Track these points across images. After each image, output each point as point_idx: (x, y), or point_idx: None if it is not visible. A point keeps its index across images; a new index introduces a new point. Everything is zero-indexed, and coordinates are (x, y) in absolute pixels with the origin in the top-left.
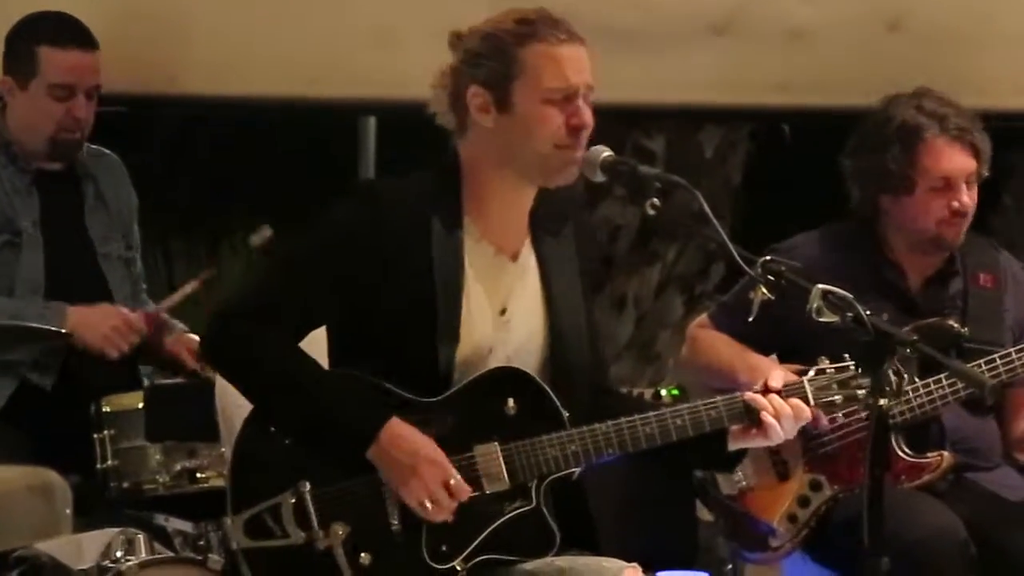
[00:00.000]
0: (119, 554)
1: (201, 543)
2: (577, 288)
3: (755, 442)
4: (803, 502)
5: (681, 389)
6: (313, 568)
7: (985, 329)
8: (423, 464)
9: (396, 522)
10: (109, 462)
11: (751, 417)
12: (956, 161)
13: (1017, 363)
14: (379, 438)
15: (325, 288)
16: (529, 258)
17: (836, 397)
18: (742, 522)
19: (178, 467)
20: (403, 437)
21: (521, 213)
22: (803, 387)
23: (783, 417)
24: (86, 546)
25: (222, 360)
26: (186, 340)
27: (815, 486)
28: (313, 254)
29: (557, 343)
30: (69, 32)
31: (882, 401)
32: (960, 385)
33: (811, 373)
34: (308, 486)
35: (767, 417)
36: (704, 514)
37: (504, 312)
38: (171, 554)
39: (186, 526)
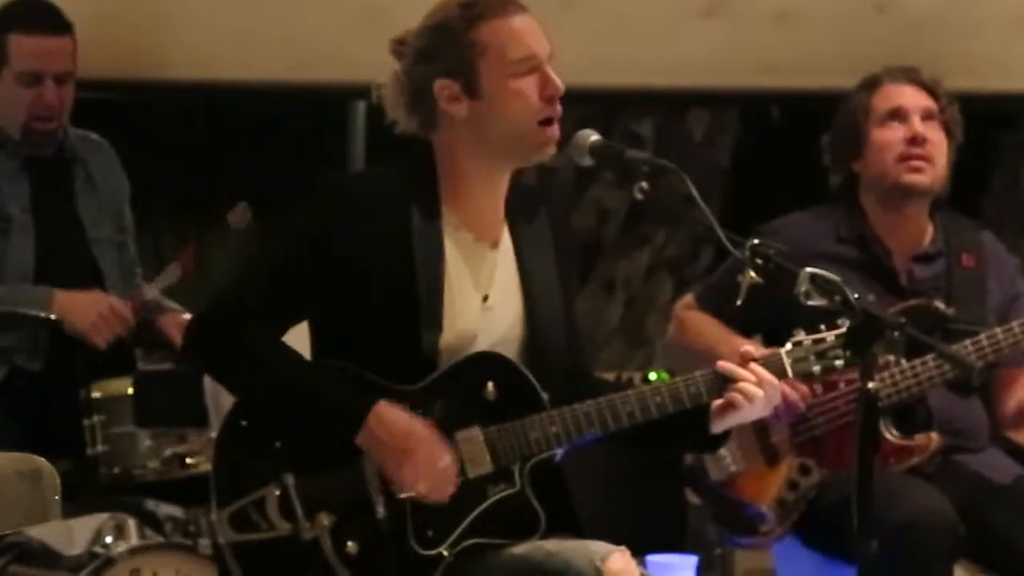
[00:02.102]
0: (109, 540)
1: (191, 528)
2: (553, 273)
3: (738, 418)
4: (792, 486)
5: (670, 373)
6: (300, 559)
7: (970, 309)
8: (416, 446)
9: (381, 510)
10: (99, 448)
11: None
12: (906, 96)
13: (1003, 343)
14: (367, 423)
15: (305, 285)
16: (508, 247)
17: (815, 367)
18: (732, 507)
19: (168, 453)
20: (392, 421)
21: (498, 200)
22: (780, 358)
23: (765, 383)
24: (76, 532)
25: (205, 357)
26: (180, 320)
27: (804, 470)
28: (292, 252)
29: (533, 327)
30: (38, 18)
31: (871, 384)
32: (947, 367)
33: (788, 345)
34: (292, 478)
35: (748, 387)
36: (694, 497)
37: (487, 299)
38: (161, 539)
39: (176, 511)
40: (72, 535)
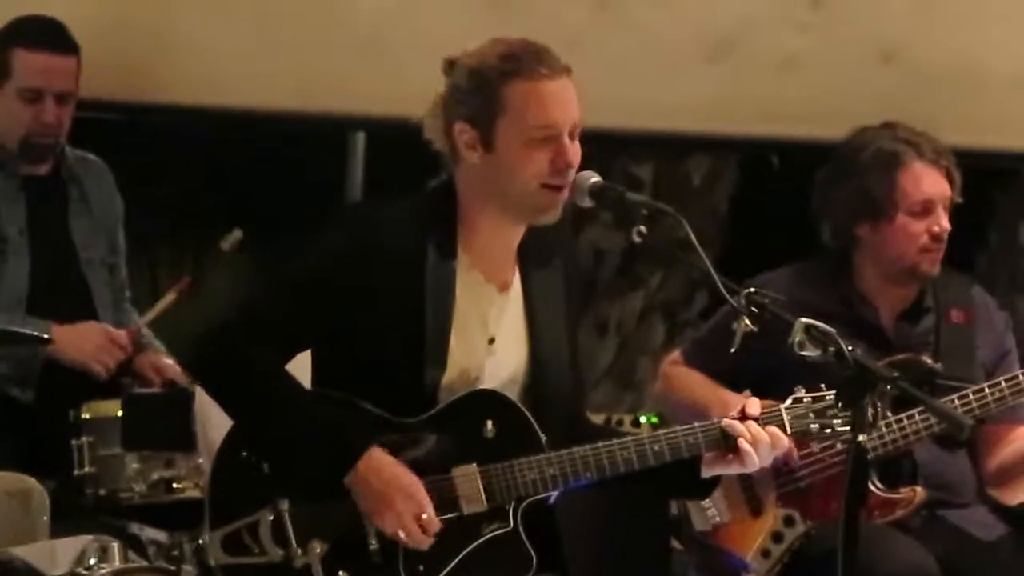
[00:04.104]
0: (93, 561)
1: (175, 553)
2: (562, 320)
3: (730, 469)
4: (776, 537)
5: (660, 417)
6: None
7: (957, 365)
8: (398, 497)
9: (374, 542)
10: (86, 469)
11: (728, 443)
12: (935, 185)
13: (991, 399)
14: (358, 466)
15: (315, 311)
16: (517, 289)
17: (812, 426)
18: (716, 557)
19: (155, 476)
20: (381, 468)
21: (509, 246)
22: (780, 415)
23: (760, 444)
24: (60, 552)
25: (207, 377)
26: (156, 361)
27: (788, 521)
28: (306, 277)
29: (538, 373)
30: (44, 35)
31: (861, 437)
32: (933, 420)
33: (788, 401)
34: (287, 503)
35: (744, 444)
36: (677, 546)
37: (493, 341)
38: (144, 563)
39: (160, 536)
40: (56, 556)
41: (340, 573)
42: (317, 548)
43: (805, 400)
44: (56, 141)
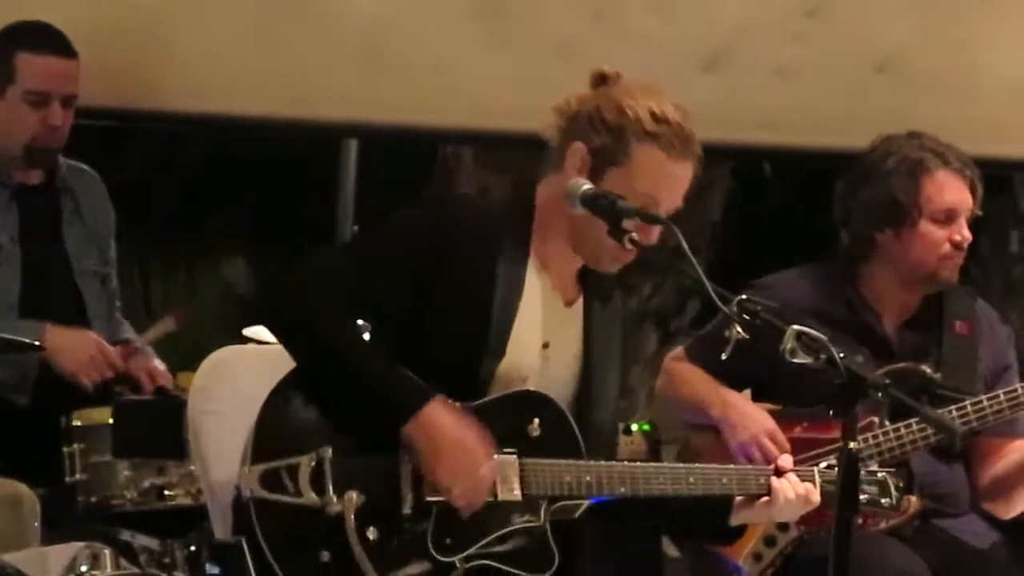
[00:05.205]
0: (84, 568)
1: (166, 560)
2: (615, 357)
3: (759, 518)
4: (769, 542)
5: (652, 425)
6: (320, 532)
7: (958, 376)
8: (462, 450)
9: (408, 507)
10: (78, 476)
11: (764, 489)
12: (959, 194)
13: (988, 411)
14: (418, 415)
15: (392, 282)
16: (579, 311)
17: None
18: (708, 560)
19: (146, 483)
20: (443, 422)
21: (571, 265)
22: (812, 476)
23: (797, 496)
24: (52, 560)
25: (279, 319)
26: (148, 365)
27: (782, 526)
28: (389, 249)
29: (585, 394)
30: (47, 39)
31: (852, 444)
32: (930, 431)
33: (822, 465)
34: (330, 451)
35: (783, 494)
36: (670, 551)
37: (547, 346)
38: (136, 570)
39: (152, 543)
40: (47, 563)
41: (370, 528)
42: (353, 499)
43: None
44: (60, 145)
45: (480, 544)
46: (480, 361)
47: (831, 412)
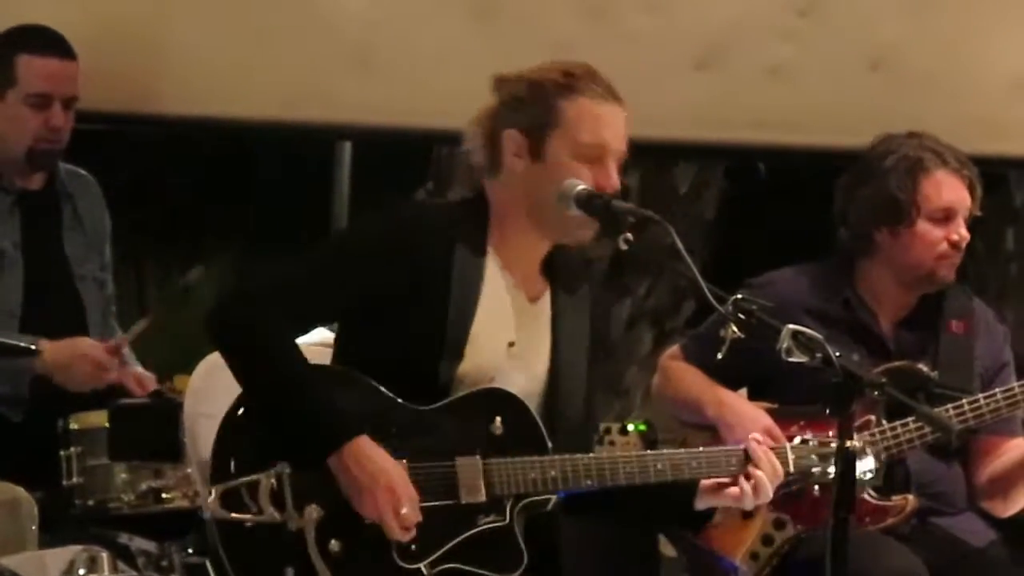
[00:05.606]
0: (82, 572)
1: (164, 563)
2: (584, 348)
3: (725, 501)
4: (766, 540)
5: (648, 424)
6: (283, 548)
7: (955, 375)
8: (378, 488)
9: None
10: (75, 479)
11: (735, 470)
12: (957, 193)
13: (985, 410)
14: (342, 451)
15: (344, 291)
16: (546, 306)
17: (815, 469)
18: (705, 559)
19: (144, 486)
20: (367, 458)
21: (534, 259)
22: (784, 451)
23: (775, 476)
24: (49, 563)
25: (220, 338)
26: (136, 373)
27: (779, 524)
28: (342, 258)
29: (554, 390)
30: (47, 41)
31: (849, 443)
32: (927, 429)
33: (795, 440)
34: (288, 468)
35: (757, 472)
36: (667, 550)
37: (512, 345)
38: (134, 573)
39: (150, 546)
40: (45, 567)
41: (332, 541)
42: (313, 514)
43: (811, 443)
44: (62, 147)
45: (445, 548)
46: (438, 363)
47: (827, 411)
